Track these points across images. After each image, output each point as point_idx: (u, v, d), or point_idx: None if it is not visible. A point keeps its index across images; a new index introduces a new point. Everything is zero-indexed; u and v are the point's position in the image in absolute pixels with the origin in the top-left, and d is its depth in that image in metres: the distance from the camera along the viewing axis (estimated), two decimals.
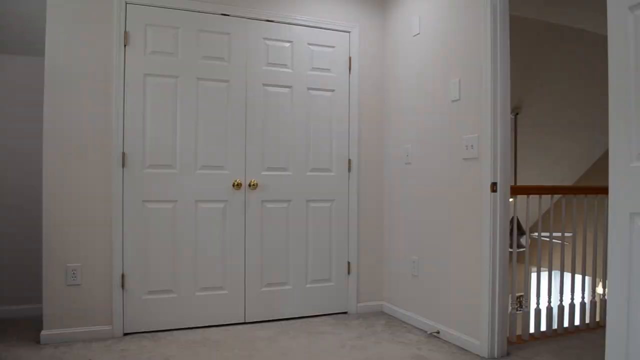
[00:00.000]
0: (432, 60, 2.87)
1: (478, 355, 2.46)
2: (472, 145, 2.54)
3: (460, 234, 2.63)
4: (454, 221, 2.68)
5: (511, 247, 4.67)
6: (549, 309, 2.84)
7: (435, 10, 2.85)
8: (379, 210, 3.34)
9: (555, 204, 5.35)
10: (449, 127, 2.72)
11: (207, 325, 2.90)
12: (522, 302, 6.15)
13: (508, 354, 2.50)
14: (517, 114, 4.53)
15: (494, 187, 2.44)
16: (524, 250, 5.22)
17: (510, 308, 2.79)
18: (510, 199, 5.34)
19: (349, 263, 3.23)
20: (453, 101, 2.70)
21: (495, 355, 2.44)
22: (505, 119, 2.49)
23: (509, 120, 2.50)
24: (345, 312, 3.23)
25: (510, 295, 5.70)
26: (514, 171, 4.74)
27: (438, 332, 2.77)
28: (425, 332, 2.85)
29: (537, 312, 2.80)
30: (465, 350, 2.55)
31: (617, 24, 1.79)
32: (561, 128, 4.85)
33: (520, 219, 5.33)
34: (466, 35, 2.60)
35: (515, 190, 2.58)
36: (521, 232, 4.59)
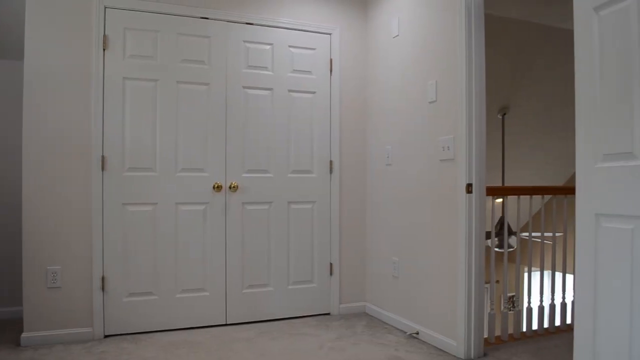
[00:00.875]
0: (411, 61, 2.87)
1: (455, 357, 2.47)
2: (448, 147, 2.55)
3: (438, 235, 2.63)
4: (432, 222, 2.68)
5: (501, 247, 4.66)
6: (529, 310, 2.84)
7: (413, 12, 2.85)
8: (362, 212, 3.35)
9: (547, 205, 5.34)
10: (427, 128, 2.73)
11: (188, 327, 2.92)
12: (514, 302, 6.15)
13: (485, 354, 2.50)
14: (504, 114, 4.53)
15: (469, 188, 2.45)
16: (512, 250, 5.22)
17: (489, 309, 2.79)
18: (499, 200, 5.35)
19: (331, 264, 3.24)
20: (430, 103, 2.70)
21: (472, 356, 2.44)
22: (481, 121, 2.49)
23: (484, 121, 2.50)
24: (328, 314, 3.24)
25: (502, 295, 5.67)
26: (501, 171, 4.74)
27: (417, 333, 2.77)
28: (405, 333, 2.86)
29: (517, 312, 2.80)
30: (443, 351, 2.55)
31: (582, 24, 1.79)
32: (551, 127, 4.84)
33: (512, 219, 5.32)
34: (442, 37, 2.61)
35: (491, 191, 2.59)
36: (510, 232, 4.59)
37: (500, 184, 4.94)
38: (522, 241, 5.50)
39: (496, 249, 4.83)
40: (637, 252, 1.51)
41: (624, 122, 1.57)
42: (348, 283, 3.30)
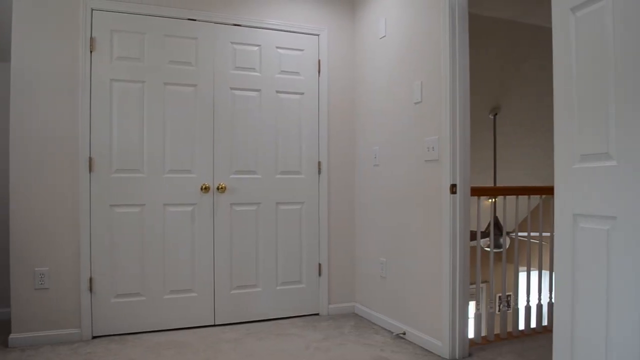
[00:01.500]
0: (397, 62, 2.88)
1: (440, 357, 2.47)
2: (433, 147, 2.56)
3: (424, 235, 2.64)
4: (418, 223, 2.69)
5: (491, 247, 4.66)
6: (515, 310, 2.85)
7: (399, 12, 2.86)
8: (351, 212, 3.36)
9: (537, 204, 5.34)
10: (413, 129, 2.73)
11: (177, 327, 2.93)
12: (509, 301, 6.15)
13: (470, 354, 2.51)
14: (496, 114, 4.53)
15: (453, 188, 2.45)
16: (502, 251, 5.22)
17: (475, 310, 2.80)
18: (491, 200, 5.34)
19: (319, 265, 3.25)
20: (416, 103, 2.71)
21: (457, 357, 2.45)
22: (465, 121, 2.50)
23: (468, 122, 2.51)
24: (316, 314, 3.25)
25: (498, 295, 5.69)
26: (493, 171, 4.75)
27: (404, 334, 2.78)
28: (392, 333, 2.86)
29: (504, 313, 2.81)
30: (429, 351, 2.56)
31: (560, 25, 1.80)
32: (543, 127, 4.84)
33: (507, 219, 5.32)
34: (427, 37, 2.61)
35: (476, 192, 2.59)
36: (501, 232, 4.59)
37: (492, 184, 4.94)
38: (512, 241, 5.51)
39: (487, 249, 4.83)
40: (612, 253, 1.52)
41: (600, 122, 1.58)
42: (337, 283, 3.31)
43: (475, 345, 2.65)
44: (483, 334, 2.75)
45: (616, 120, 1.51)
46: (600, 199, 1.58)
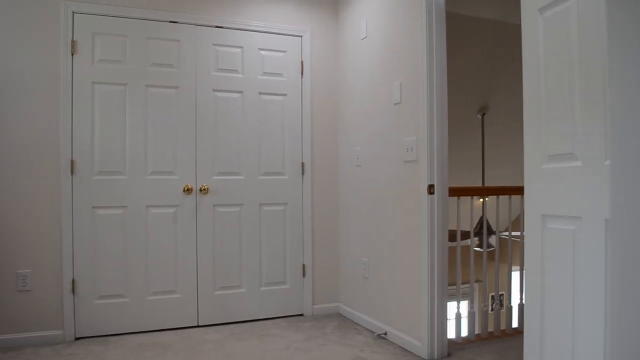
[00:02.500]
0: (378, 63, 2.89)
1: (419, 357, 2.48)
2: (411, 148, 2.56)
3: (404, 236, 2.65)
4: (398, 223, 2.70)
5: (481, 247, 4.67)
6: (497, 310, 2.85)
7: (379, 13, 2.87)
8: (334, 212, 3.36)
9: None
10: (393, 130, 2.74)
11: (160, 328, 2.94)
12: (502, 300, 6.15)
13: (449, 354, 2.51)
14: (484, 114, 4.54)
15: (431, 189, 2.46)
16: (491, 250, 5.22)
17: (456, 310, 2.80)
18: (481, 199, 5.34)
19: (303, 265, 3.26)
20: (395, 104, 2.72)
21: (435, 357, 2.45)
22: (443, 122, 2.50)
23: (446, 122, 2.52)
24: (301, 314, 3.26)
25: (491, 295, 5.68)
26: (482, 171, 4.75)
27: (385, 334, 2.79)
28: (374, 333, 2.87)
29: (484, 313, 2.81)
30: (408, 351, 2.57)
31: (528, 25, 1.81)
32: None
33: (494, 219, 5.33)
34: (406, 38, 2.62)
35: (454, 192, 2.60)
36: (491, 232, 4.59)
37: (480, 184, 4.95)
38: (504, 241, 5.50)
39: (476, 249, 4.83)
40: (577, 253, 1.52)
41: (566, 123, 1.58)
42: (321, 284, 3.31)
43: (455, 345, 2.65)
44: (463, 334, 2.76)
45: (581, 120, 1.52)
46: (566, 199, 1.58)
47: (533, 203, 1.76)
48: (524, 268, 1.84)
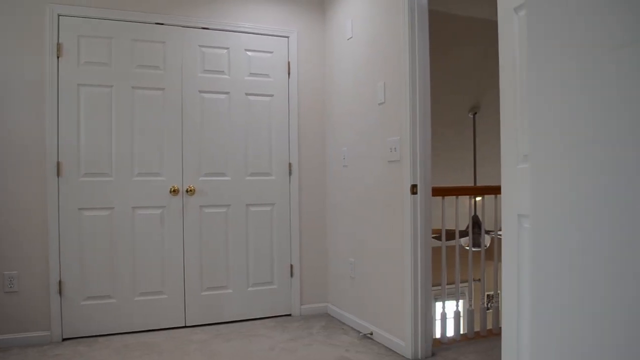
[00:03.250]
0: (363, 63, 2.89)
1: (403, 357, 2.48)
2: (395, 148, 2.56)
3: (389, 236, 2.65)
4: (383, 223, 2.70)
5: (473, 246, 4.65)
6: (484, 309, 2.85)
7: (364, 13, 2.87)
8: (322, 212, 3.37)
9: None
10: (378, 130, 2.74)
11: (147, 329, 2.95)
12: (490, 300, 6.13)
13: (433, 354, 2.51)
14: (475, 113, 4.53)
15: (413, 189, 2.46)
16: (480, 250, 5.21)
17: (441, 309, 2.80)
18: (480, 199, 5.33)
19: (291, 265, 3.26)
20: (379, 104, 2.72)
21: (419, 357, 2.45)
22: (426, 121, 2.50)
23: (429, 122, 2.51)
24: (289, 315, 3.26)
25: (486, 295, 5.67)
26: (473, 170, 4.74)
27: (371, 334, 2.79)
28: (360, 333, 2.87)
29: (470, 312, 2.81)
30: (393, 351, 2.57)
31: (504, 25, 1.81)
32: None
33: (486, 218, 5.31)
34: (390, 38, 2.62)
35: (437, 192, 2.60)
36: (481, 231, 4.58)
37: (472, 183, 4.93)
38: (492, 240, 5.50)
39: (467, 248, 4.82)
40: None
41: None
42: (309, 284, 3.32)
43: (440, 345, 2.65)
44: (449, 334, 2.75)
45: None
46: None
47: (509, 203, 1.76)
48: (502, 268, 1.84)
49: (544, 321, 1.08)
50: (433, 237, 3.79)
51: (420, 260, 2.45)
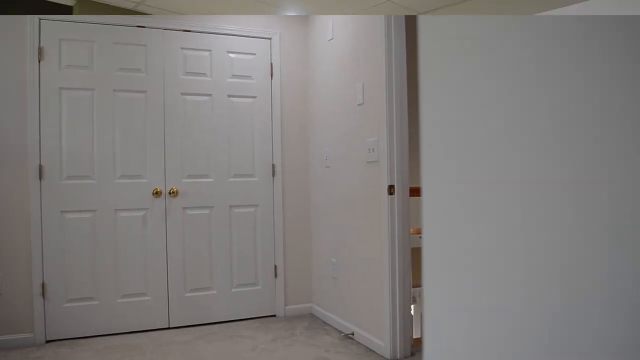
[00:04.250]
0: (344, 64, 2.90)
1: (382, 357, 2.49)
2: (373, 149, 2.57)
3: (368, 236, 2.66)
4: (363, 224, 2.71)
5: None
6: None
7: (345, 14, 2.87)
8: (306, 213, 3.38)
9: None
10: (357, 131, 2.75)
11: (130, 331, 2.96)
12: None
13: (412, 354, 2.52)
14: None
15: (391, 189, 2.47)
16: None
17: (421, 310, 2.80)
18: None
19: (275, 266, 3.27)
20: (359, 105, 2.73)
21: (398, 356, 2.46)
22: (403, 122, 2.51)
23: (406, 123, 2.52)
24: (274, 315, 3.27)
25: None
26: None
27: (353, 334, 2.80)
28: (342, 333, 2.88)
29: None
30: (372, 351, 2.57)
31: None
32: None
33: None
34: (368, 39, 2.63)
35: (415, 192, 2.60)
36: None
37: None
38: None
39: None
40: None
41: None
42: (293, 285, 3.33)
43: (419, 344, 2.65)
44: None
45: None
46: None
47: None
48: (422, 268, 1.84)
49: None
50: (420, 237, 3.80)
51: (398, 260, 2.46)
